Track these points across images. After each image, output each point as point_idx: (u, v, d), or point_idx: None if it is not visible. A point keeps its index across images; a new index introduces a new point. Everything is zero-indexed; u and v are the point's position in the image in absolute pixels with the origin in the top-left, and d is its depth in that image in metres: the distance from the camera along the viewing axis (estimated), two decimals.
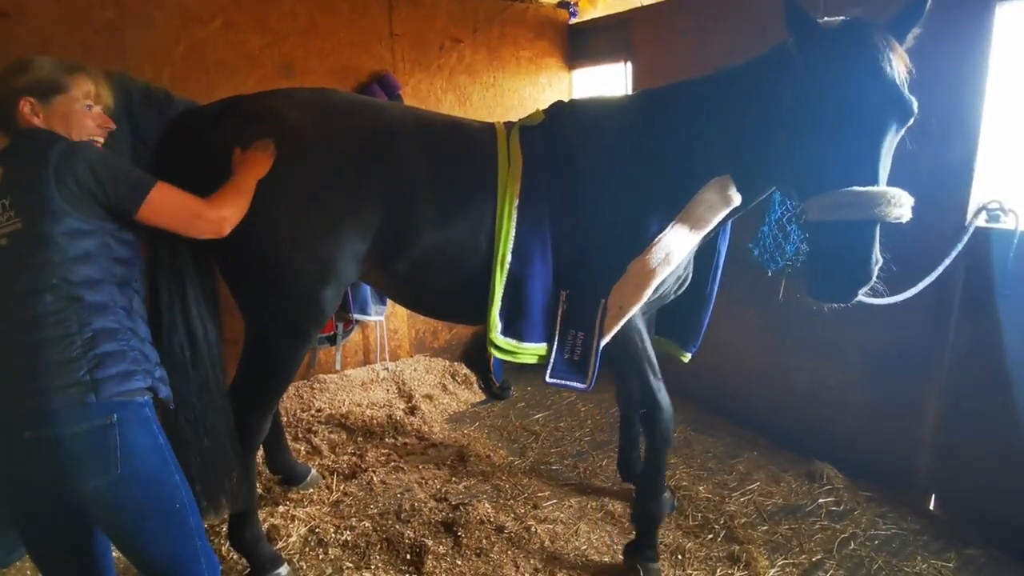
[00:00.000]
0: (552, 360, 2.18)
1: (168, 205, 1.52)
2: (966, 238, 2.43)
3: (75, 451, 1.35)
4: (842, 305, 1.80)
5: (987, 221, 2.48)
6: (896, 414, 2.85)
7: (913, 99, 1.64)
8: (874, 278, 1.69)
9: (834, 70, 1.65)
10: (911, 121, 1.67)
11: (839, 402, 3.07)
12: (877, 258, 1.67)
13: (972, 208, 2.50)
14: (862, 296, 1.76)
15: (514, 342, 2.16)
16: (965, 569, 2.42)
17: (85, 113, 1.53)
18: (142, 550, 1.49)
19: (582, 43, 4.40)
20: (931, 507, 2.80)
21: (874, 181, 1.64)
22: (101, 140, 1.58)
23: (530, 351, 2.18)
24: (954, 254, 2.38)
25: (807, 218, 1.75)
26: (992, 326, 2.48)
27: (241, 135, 1.96)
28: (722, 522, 2.67)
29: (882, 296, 1.96)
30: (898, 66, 1.64)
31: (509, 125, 2.29)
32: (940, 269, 2.33)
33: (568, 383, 2.19)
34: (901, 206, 1.62)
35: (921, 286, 2.24)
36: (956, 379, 2.64)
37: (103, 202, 1.43)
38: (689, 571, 2.39)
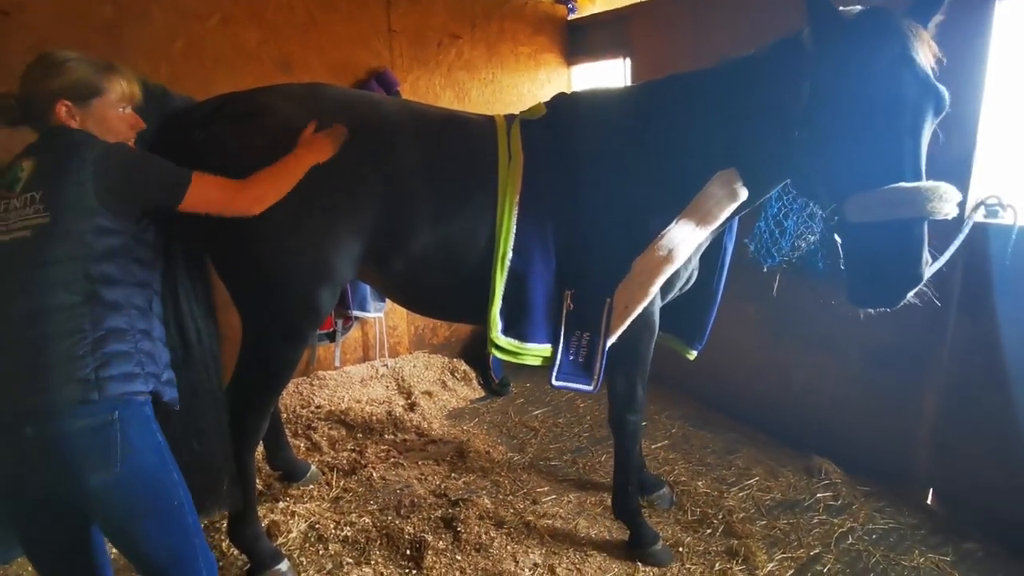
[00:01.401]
0: (558, 362, 2.15)
1: (206, 193, 1.58)
2: (966, 232, 2.42)
3: (76, 448, 1.36)
4: (886, 310, 1.71)
5: (985, 216, 2.49)
6: (894, 410, 2.86)
7: (945, 89, 1.58)
8: (923, 282, 1.60)
9: (863, 61, 1.58)
10: (944, 112, 1.61)
11: (838, 398, 3.08)
12: (927, 259, 1.59)
13: (970, 203, 2.50)
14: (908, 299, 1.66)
15: (517, 342, 2.13)
16: (962, 563, 2.43)
17: (119, 116, 1.56)
18: (141, 548, 1.49)
19: (581, 39, 4.40)
20: (929, 502, 2.81)
21: (918, 176, 1.57)
22: (132, 138, 1.60)
23: (533, 352, 2.15)
24: (957, 244, 2.36)
25: (847, 219, 1.64)
26: (990, 322, 2.49)
27: (234, 132, 1.95)
28: (721, 517, 2.68)
29: (926, 296, 1.86)
30: (926, 54, 1.59)
31: (510, 118, 2.25)
32: (945, 257, 2.30)
33: (574, 385, 2.17)
34: (951, 201, 1.55)
35: (926, 277, 2.22)
36: (954, 375, 2.65)
37: (144, 200, 1.47)
38: (688, 565, 2.40)
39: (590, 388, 2.17)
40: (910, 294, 1.64)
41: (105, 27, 2.91)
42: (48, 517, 1.48)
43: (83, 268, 1.38)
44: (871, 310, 1.77)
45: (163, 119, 2.02)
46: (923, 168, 1.60)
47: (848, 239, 1.71)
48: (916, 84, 1.57)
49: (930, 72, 1.59)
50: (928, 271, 2.26)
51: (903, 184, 1.55)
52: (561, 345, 2.15)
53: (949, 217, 1.57)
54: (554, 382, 2.17)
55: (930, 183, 1.56)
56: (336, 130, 1.92)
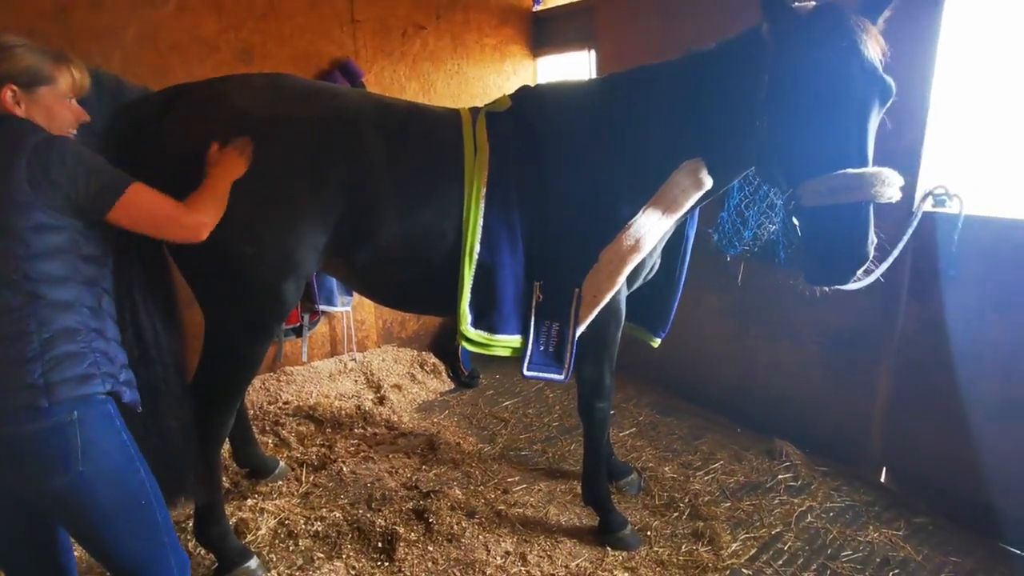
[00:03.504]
0: (529, 353, 2.17)
1: (141, 208, 1.49)
2: (915, 222, 2.54)
3: (33, 451, 1.32)
4: (836, 288, 1.83)
5: (933, 206, 2.60)
6: (850, 392, 2.97)
7: (891, 80, 1.67)
8: (870, 259, 1.71)
9: (815, 54, 1.66)
10: (891, 101, 1.70)
11: (797, 382, 3.18)
12: (873, 239, 1.70)
13: (920, 193, 2.61)
14: (857, 276, 1.78)
15: (486, 334, 2.14)
16: (914, 537, 2.55)
17: (67, 106, 1.50)
18: (108, 548, 1.46)
19: (546, 30, 4.40)
20: (882, 480, 2.93)
21: (865, 162, 1.66)
22: (74, 132, 1.54)
23: (503, 343, 2.17)
24: (906, 238, 2.48)
25: (802, 203, 1.74)
26: (938, 306, 2.60)
27: (192, 122, 1.90)
28: (687, 500, 2.75)
29: (871, 275, 2.00)
30: (874, 47, 1.68)
31: (475, 111, 2.25)
32: (899, 247, 2.43)
33: (545, 375, 2.20)
34: (893, 186, 1.65)
35: (886, 265, 2.33)
36: (905, 357, 2.77)
37: (74, 200, 1.40)
38: (656, 548, 2.46)
39: (561, 377, 2.20)
40: (859, 272, 1.75)
41: (54, 13, 2.79)
42: (10, 517, 1.44)
43: (23, 267, 1.32)
44: (826, 288, 1.88)
45: (116, 110, 1.96)
46: (870, 154, 1.69)
47: (804, 222, 1.80)
48: (863, 76, 1.66)
49: (877, 64, 1.67)
50: (886, 262, 2.38)
51: (850, 170, 1.65)
52: (531, 336, 2.17)
53: (893, 201, 1.67)
54: (525, 372, 2.18)
55: (874, 169, 1.65)
56: (242, 143, 1.86)
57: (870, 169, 1.64)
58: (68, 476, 1.34)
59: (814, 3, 1.78)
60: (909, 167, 2.58)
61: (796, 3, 1.78)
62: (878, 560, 2.42)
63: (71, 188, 1.38)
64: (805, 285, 1.86)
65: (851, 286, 1.85)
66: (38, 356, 1.32)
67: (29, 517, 1.46)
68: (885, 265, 2.36)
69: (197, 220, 1.61)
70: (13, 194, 1.32)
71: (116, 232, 1.57)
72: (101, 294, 1.50)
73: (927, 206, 2.59)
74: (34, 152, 1.34)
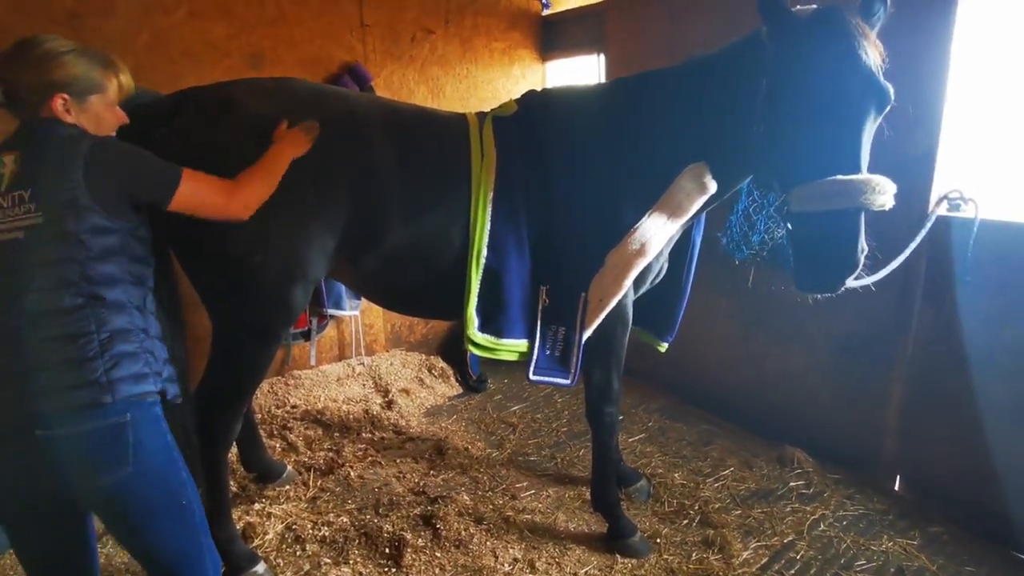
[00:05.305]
0: (535, 357, 2.16)
1: (197, 193, 1.55)
2: (929, 226, 2.50)
3: (88, 449, 1.34)
4: (827, 296, 1.81)
5: (948, 210, 2.56)
6: (862, 398, 2.93)
7: (889, 86, 1.64)
8: (860, 267, 1.69)
9: (811, 59, 1.64)
10: (888, 108, 1.68)
11: (808, 388, 3.14)
12: (863, 246, 1.67)
13: (934, 197, 2.57)
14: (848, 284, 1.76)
15: (492, 338, 2.14)
16: (928, 546, 2.50)
17: (113, 112, 1.53)
18: (150, 547, 1.48)
19: (555, 34, 4.40)
20: (896, 488, 2.89)
21: (856, 169, 1.64)
22: (114, 133, 1.58)
23: (509, 347, 2.16)
24: (919, 239, 2.45)
25: (791, 209, 1.72)
26: (953, 311, 2.56)
27: (200, 126, 1.91)
28: (697, 507, 2.72)
29: (862, 280, 1.98)
30: (873, 53, 1.65)
31: (481, 116, 2.25)
32: (906, 253, 2.40)
33: (551, 379, 2.19)
34: (885, 193, 1.62)
35: (888, 270, 2.30)
36: (919, 363, 2.73)
37: (134, 197, 1.44)
38: (665, 556, 2.43)
39: (567, 382, 2.19)
40: (849, 280, 1.73)
41: (67, 18, 2.82)
42: (46, 516, 1.45)
43: (82, 269, 1.36)
44: (817, 295, 1.85)
45: (127, 113, 1.96)
46: (863, 161, 1.67)
47: (794, 228, 1.78)
48: (859, 81, 1.63)
49: (875, 70, 1.64)
50: (897, 261, 2.35)
51: (839, 177, 1.62)
52: (537, 340, 2.17)
53: (885, 208, 1.65)
54: (531, 376, 2.18)
55: (864, 176, 1.63)
56: (308, 125, 1.90)
57: (860, 176, 1.62)
58: (119, 474, 1.37)
59: (815, 6, 1.76)
60: (923, 171, 2.54)
61: (797, 6, 1.76)
62: (892, 570, 2.38)
63: (132, 186, 1.43)
64: (796, 292, 1.83)
65: (855, 284, 1.81)
66: (99, 355, 1.35)
67: (63, 517, 1.47)
68: (893, 266, 2.33)
69: (243, 200, 1.66)
70: (72, 198, 1.35)
71: (156, 231, 1.60)
72: (147, 292, 1.53)
73: (942, 210, 2.55)
74: (91, 155, 1.38)
